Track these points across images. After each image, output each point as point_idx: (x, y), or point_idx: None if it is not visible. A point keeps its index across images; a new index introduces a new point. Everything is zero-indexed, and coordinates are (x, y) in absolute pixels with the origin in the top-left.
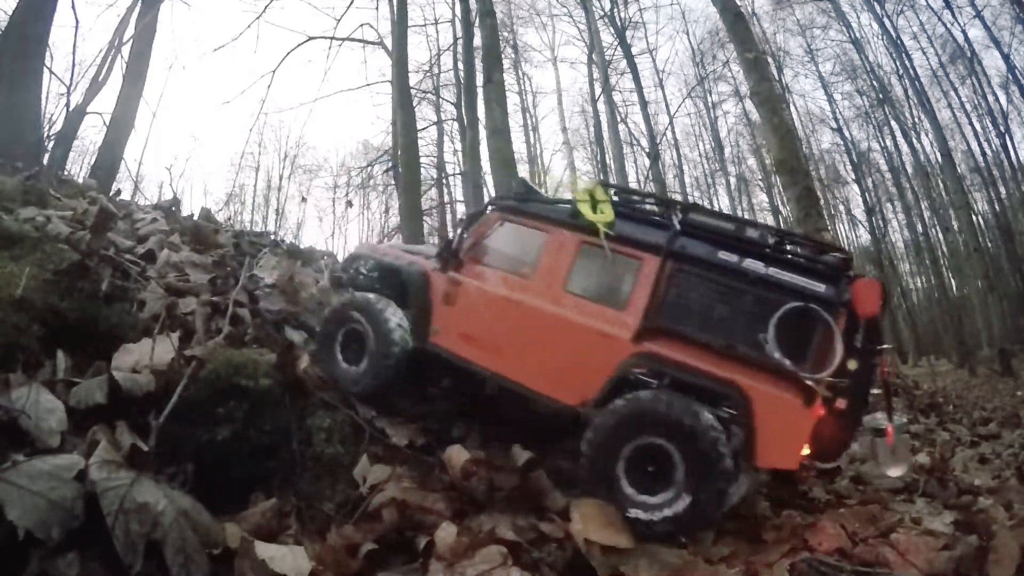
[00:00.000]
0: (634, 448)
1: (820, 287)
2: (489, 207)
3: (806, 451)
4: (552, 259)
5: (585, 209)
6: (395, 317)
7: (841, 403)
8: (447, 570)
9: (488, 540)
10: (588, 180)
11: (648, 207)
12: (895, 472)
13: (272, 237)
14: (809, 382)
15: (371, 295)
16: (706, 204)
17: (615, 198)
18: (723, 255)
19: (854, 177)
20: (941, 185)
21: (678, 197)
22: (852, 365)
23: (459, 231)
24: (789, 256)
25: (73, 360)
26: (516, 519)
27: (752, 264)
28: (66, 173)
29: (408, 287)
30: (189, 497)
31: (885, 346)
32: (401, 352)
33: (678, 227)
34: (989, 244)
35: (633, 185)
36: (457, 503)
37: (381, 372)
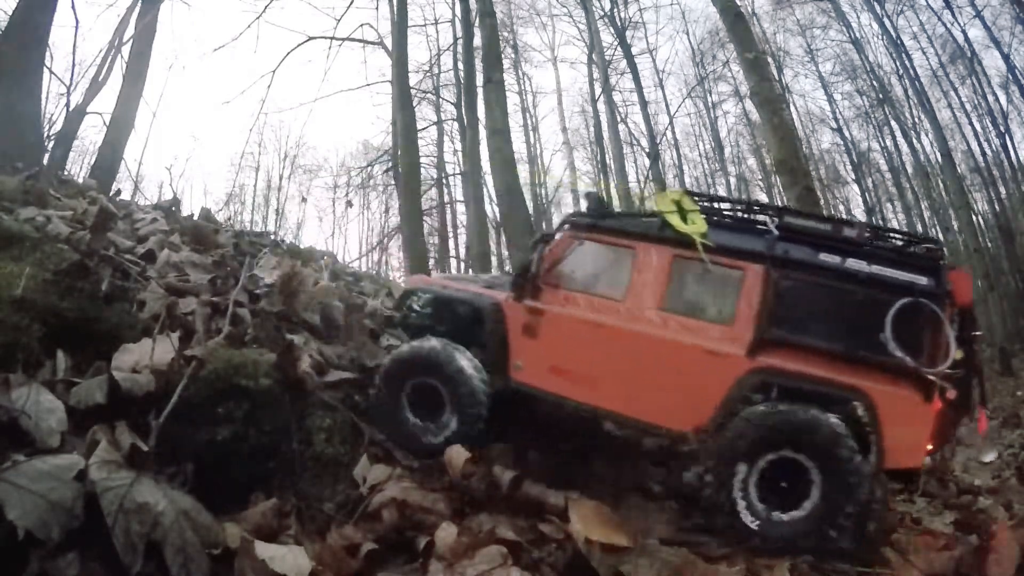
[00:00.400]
0: (765, 465)
1: (923, 280)
2: (564, 226)
3: (929, 447)
4: (644, 277)
5: (675, 220)
6: (470, 362)
7: (952, 394)
8: (447, 570)
9: (488, 540)
10: (673, 189)
11: (739, 213)
12: (989, 457)
13: (272, 237)
14: (929, 377)
15: (436, 343)
16: None
17: (702, 206)
18: (825, 257)
19: (854, 177)
20: (941, 185)
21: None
22: (959, 355)
23: (533, 255)
24: (887, 251)
25: (73, 360)
26: (516, 519)
27: (856, 263)
28: (66, 173)
29: (478, 321)
30: (189, 497)
31: (979, 333)
32: (487, 397)
33: (776, 232)
34: (989, 244)
35: (632, 185)
36: (457, 503)
37: (470, 422)
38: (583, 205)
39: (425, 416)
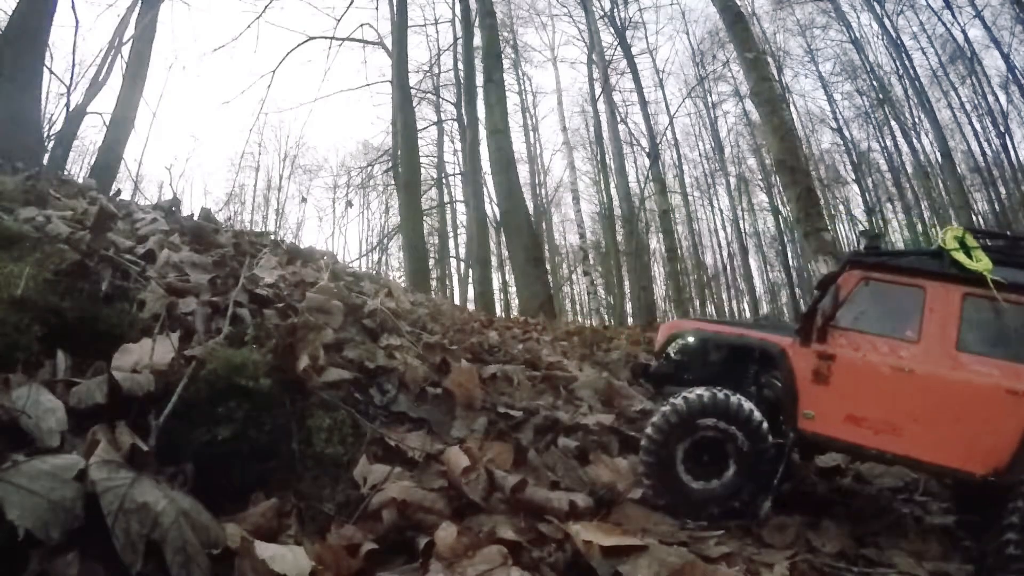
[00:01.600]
0: None
1: None
2: (847, 266)
3: None
4: (937, 316)
5: (962, 258)
6: (754, 409)
7: None
8: (447, 570)
9: (488, 540)
10: (954, 227)
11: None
12: None
13: (272, 237)
14: None
15: (718, 392)
16: (706, 204)
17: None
18: None
19: (854, 177)
20: (941, 185)
21: (678, 197)
22: None
23: (817, 297)
24: None
25: (73, 360)
26: (516, 519)
27: None
28: (66, 173)
29: (763, 366)
30: (189, 497)
31: None
32: (774, 449)
33: None
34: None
35: (632, 184)
36: (457, 503)
37: (758, 477)
38: (858, 243)
39: (700, 474)
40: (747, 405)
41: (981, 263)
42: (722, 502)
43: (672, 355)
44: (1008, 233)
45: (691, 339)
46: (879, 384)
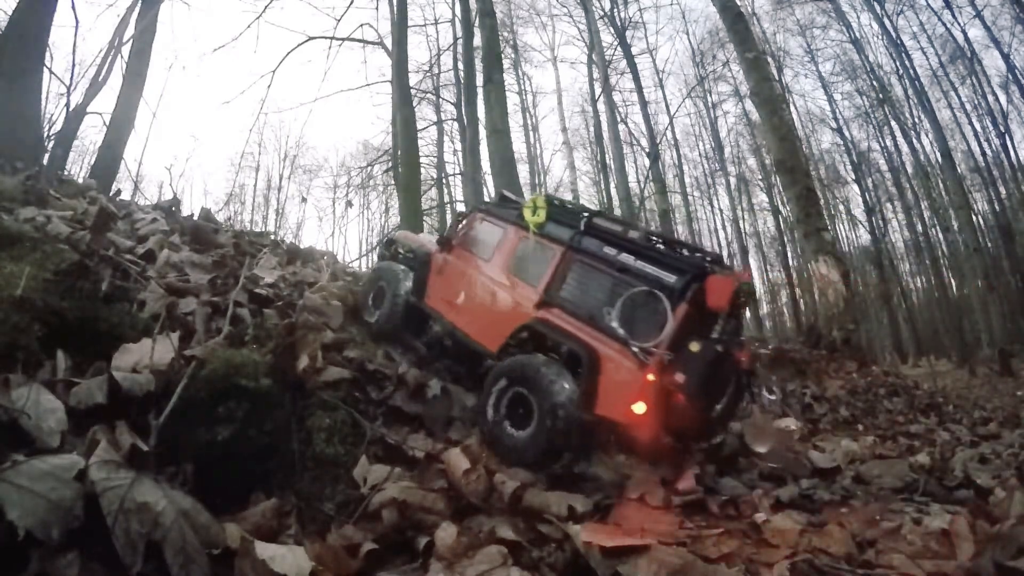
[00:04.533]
0: (505, 390)
1: (671, 278)
2: (475, 209)
3: (641, 409)
4: (503, 248)
5: (526, 214)
6: (408, 280)
7: (680, 377)
8: (447, 570)
9: (488, 540)
10: (536, 195)
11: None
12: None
13: (272, 237)
14: (634, 349)
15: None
16: (706, 204)
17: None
18: (607, 250)
19: (854, 177)
20: (941, 185)
21: (678, 197)
22: (695, 347)
23: (454, 224)
24: (658, 253)
25: (73, 360)
26: (516, 519)
27: (626, 257)
28: (66, 173)
29: (423, 262)
30: (189, 497)
31: (742, 339)
32: (407, 300)
33: (582, 228)
34: (989, 244)
35: (632, 184)
36: (457, 503)
37: (394, 306)
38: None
39: (377, 305)
40: (405, 276)
41: (536, 219)
42: (374, 316)
43: (398, 251)
44: (573, 204)
45: (403, 245)
46: (459, 281)
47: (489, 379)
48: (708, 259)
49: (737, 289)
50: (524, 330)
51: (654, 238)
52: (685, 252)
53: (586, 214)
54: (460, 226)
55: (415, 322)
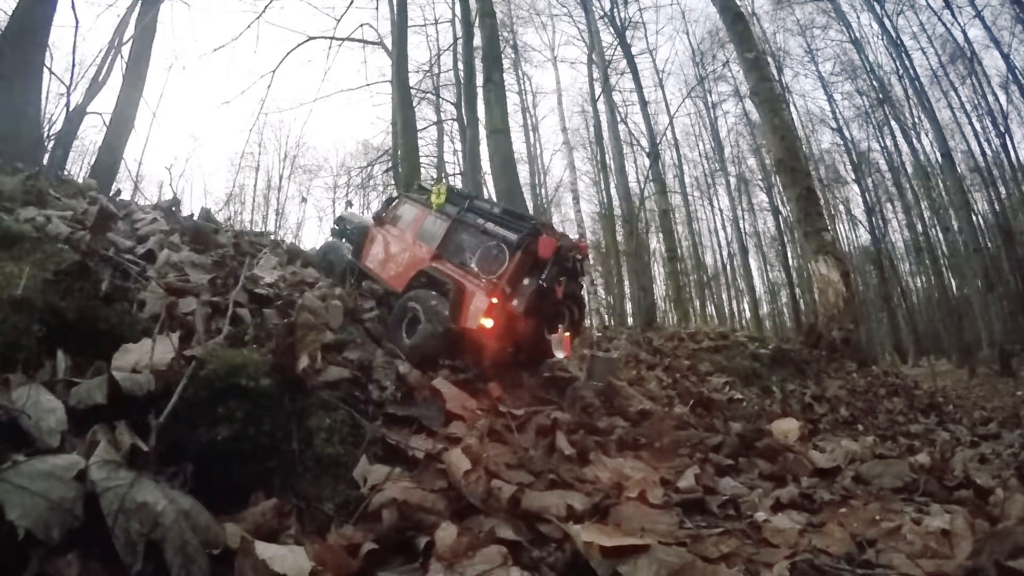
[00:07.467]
0: (405, 311)
1: (512, 236)
2: (401, 194)
3: (489, 323)
4: (415, 223)
5: (433, 198)
6: (348, 252)
7: (519, 305)
8: (447, 570)
9: (488, 540)
10: (441, 183)
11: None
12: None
13: (272, 237)
14: (483, 281)
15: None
16: (706, 204)
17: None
18: (478, 219)
19: (854, 177)
20: (941, 185)
21: (678, 197)
22: (525, 282)
23: (384, 205)
24: (505, 220)
25: (73, 360)
26: (515, 520)
27: (487, 224)
28: (66, 173)
29: (363, 235)
30: (189, 497)
31: (561, 278)
32: (351, 264)
33: (464, 206)
34: (989, 244)
35: (632, 184)
36: (457, 503)
37: (342, 268)
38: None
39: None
40: (345, 250)
41: (438, 200)
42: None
43: (347, 227)
44: (461, 190)
45: (350, 223)
46: (383, 246)
47: (397, 306)
48: (540, 225)
49: (559, 246)
50: (422, 275)
51: (508, 211)
52: (526, 222)
53: (468, 197)
54: (390, 208)
55: (356, 275)
